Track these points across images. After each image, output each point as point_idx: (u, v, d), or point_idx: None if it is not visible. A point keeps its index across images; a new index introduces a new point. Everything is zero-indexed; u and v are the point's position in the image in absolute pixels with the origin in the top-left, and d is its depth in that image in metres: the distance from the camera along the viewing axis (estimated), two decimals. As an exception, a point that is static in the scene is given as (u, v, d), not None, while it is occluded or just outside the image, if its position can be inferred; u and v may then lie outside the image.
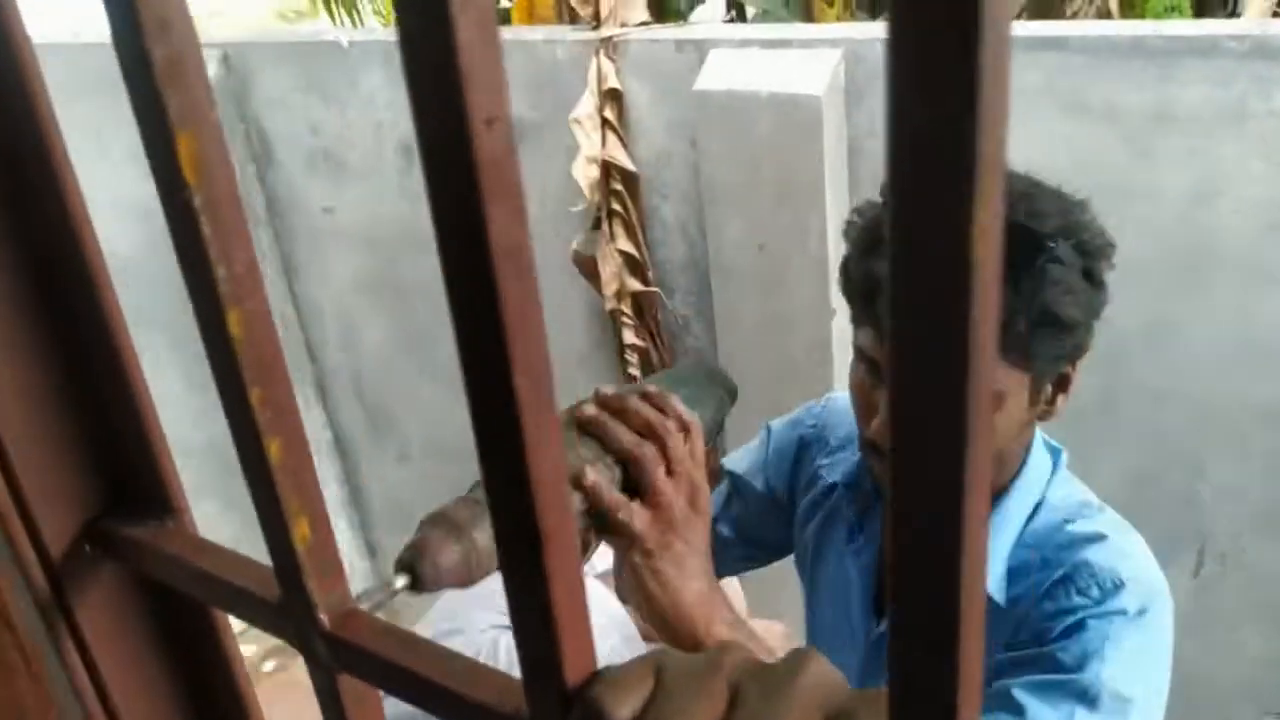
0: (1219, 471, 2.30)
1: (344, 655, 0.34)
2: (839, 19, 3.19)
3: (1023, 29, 2.25)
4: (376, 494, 3.70)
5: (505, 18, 4.12)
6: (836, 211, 2.42)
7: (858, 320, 1.20)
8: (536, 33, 2.69)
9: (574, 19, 3.11)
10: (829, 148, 2.34)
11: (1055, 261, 1.07)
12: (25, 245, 0.39)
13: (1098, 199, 2.18)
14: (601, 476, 0.85)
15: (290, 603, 0.34)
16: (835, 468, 1.48)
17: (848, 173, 2.45)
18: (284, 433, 0.31)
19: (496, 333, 0.23)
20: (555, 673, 0.27)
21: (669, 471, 0.86)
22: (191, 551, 0.39)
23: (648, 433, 0.86)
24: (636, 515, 0.85)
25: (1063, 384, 1.20)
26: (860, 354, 1.20)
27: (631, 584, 0.91)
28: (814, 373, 2.57)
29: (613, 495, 0.84)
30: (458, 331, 0.24)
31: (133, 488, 0.42)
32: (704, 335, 2.80)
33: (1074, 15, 3.14)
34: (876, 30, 2.36)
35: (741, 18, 4.05)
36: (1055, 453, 1.33)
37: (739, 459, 1.66)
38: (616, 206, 2.68)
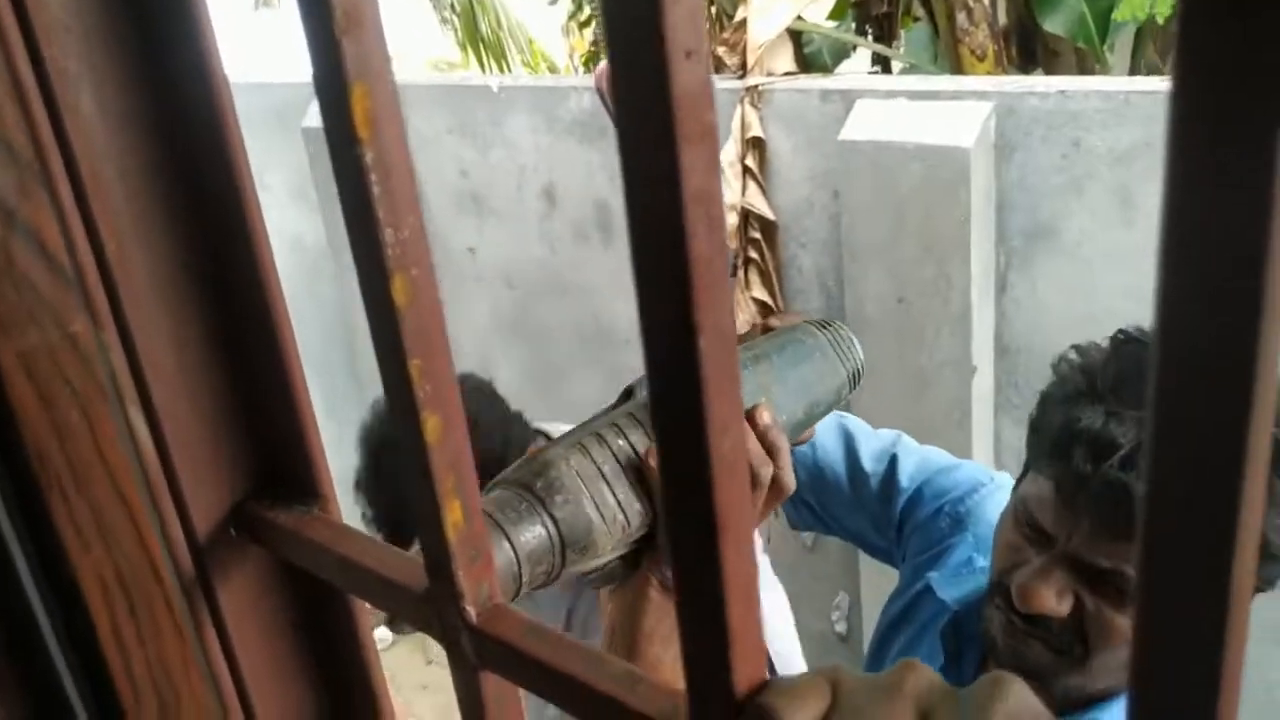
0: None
1: (490, 651, 0.32)
2: (989, 73, 3.13)
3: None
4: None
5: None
6: (981, 266, 2.35)
7: (1035, 467, 1.04)
8: (682, 80, 2.71)
9: (720, 68, 3.13)
10: (976, 201, 2.29)
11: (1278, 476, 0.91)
12: (193, 222, 0.39)
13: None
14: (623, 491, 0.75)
15: (437, 592, 0.33)
16: (954, 584, 1.29)
17: (995, 227, 2.38)
18: (443, 410, 0.30)
19: (682, 286, 0.22)
20: (724, 678, 0.25)
21: None
22: (335, 538, 0.38)
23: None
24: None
25: None
26: (1023, 506, 1.05)
27: (624, 610, 0.82)
28: (953, 432, 2.49)
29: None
30: (639, 285, 0.22)
31: (280, 473, 0.42)
32: (838, 388, 2.75)
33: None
34: (1029, 83, 2.31)
35: (887, 72, 4.02)
36: None
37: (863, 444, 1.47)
38: (753, 254, 2.66)
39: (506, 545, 0.67)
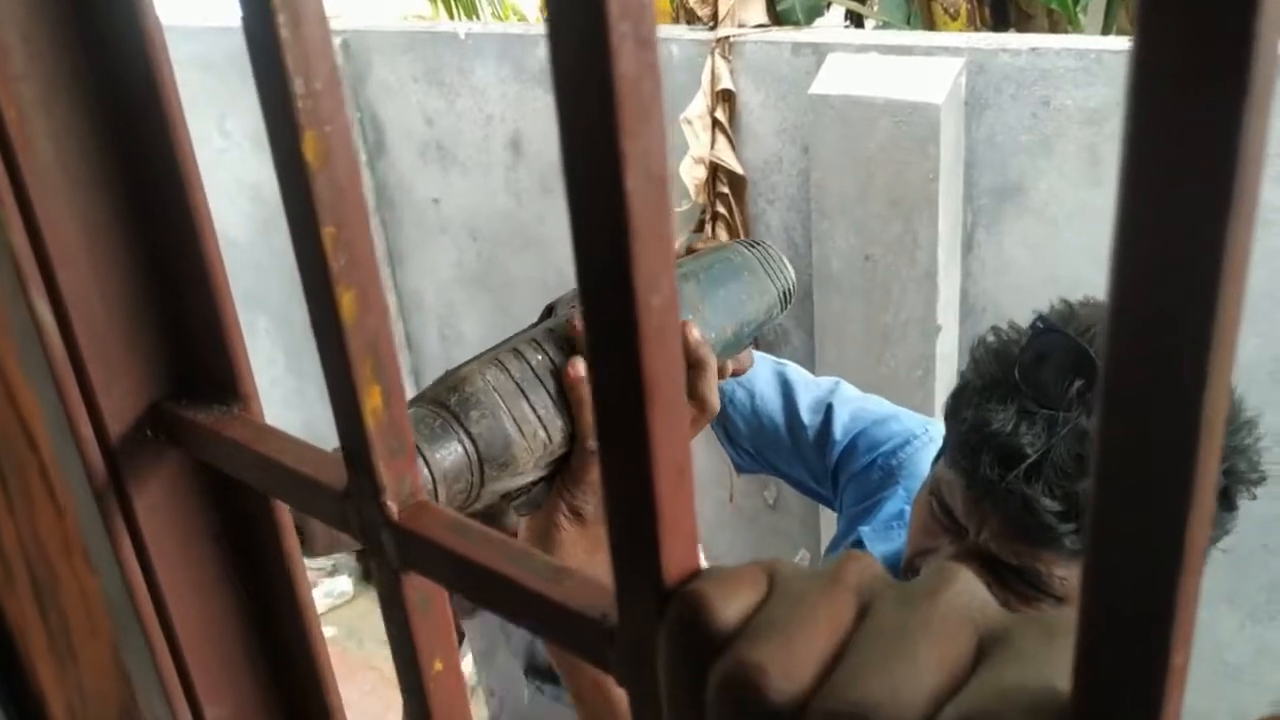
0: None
1: (413, 550, 0.30)
2: (962, 32, 3.11)
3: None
4: (463, 488, 3.71)
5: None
6: (948, 224, 2.34)
7: (948, 458, 1.02)
8: (652, 31, 2.66)
9: (691, 19, 3.08)
10: (945, 158, 2.27)
11: None
12: (104, 96, 0.36)
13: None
14: (546, 409, 0.73)
15: (356, 487, 0.31)
16: (885, 539, 1.28)
17: (963, 185, 2.37)
18: (359, 284, 0.28)
19: (606, 109, 0.19)
20: (652, 564, 0.23)
21: None
22: (254, 437, 0.36)
23: None
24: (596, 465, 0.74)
25: None
26: (938, 488, 1.03)
27: (535, 539, 0.78)
28: (916, 390, 2.49)
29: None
30: (559, 110, 0.20)
31: (200, 373, 0.39)
32: (803, 345, 2.74)
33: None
34: (1001, 40, 2.28)
35: (860, 29, 3.99)
36: None
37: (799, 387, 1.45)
38: (721, 209, 2.64)
39: (422, 464, 0.65)
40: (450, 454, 0.66)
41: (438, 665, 0.33)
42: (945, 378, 2.50)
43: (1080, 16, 3.06)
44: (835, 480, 1.42)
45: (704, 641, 0.24)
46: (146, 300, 0.39)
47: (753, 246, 0.91)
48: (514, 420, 0.70)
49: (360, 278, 0.28)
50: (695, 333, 0.77)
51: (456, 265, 3.20)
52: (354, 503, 0.31)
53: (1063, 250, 2.30)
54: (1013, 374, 0.94)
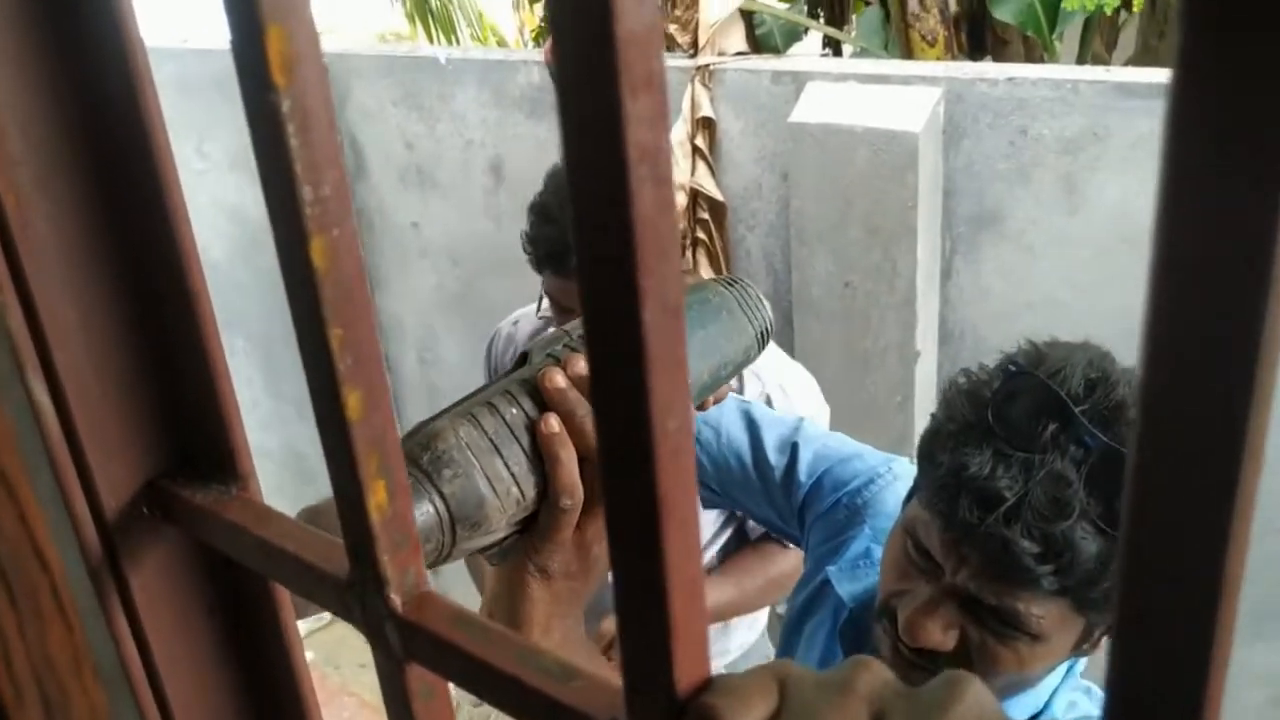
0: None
1: (416, 642, 0.30)
2: (939, 59, 3.14)
3: (1132, 75, 2.18)
4: (442, 512, 3.69)
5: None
6: (926, 252, 2.36)
7: (923, 499, 1.01)
8: (632, 58, 2.68)
9: (670, 46, 3.09)
10: (924, 186, 2.29)
11: None
12: (103, 179, 0.36)
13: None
14: (518, 463, 0.69)
15: (359, 578, 0.31)
16: (852, 578, 1.27)
17: (941, 213, 2.39)
18: (365, 384, 0.28)
19: (625, 250, 0.20)
20: (664, 676, 0.23)
21: None
22: (254, 520, 0.36)
23: None
24: (569, 522, 0.70)
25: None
26: (912, 529, 1.02)
27: (501, 591, 0.77)
28: (894, 416, 2.50)
29: (574, 476, 0.70)
30: (578, 248, 0.20)
31: (197, 450, 0.39)
32: (783, 371, 2.75)
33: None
34: (979, 70, 2.31)
35: (838, 55, 4.02)
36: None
37: (765, 427, 1.43)
38: (701, 235, 2.65)
39: (425, 504, 0.64)
40: (421, 514, 0.65)
41: (438, 749, 0.33)
42: (924, 403, 2.51)
43: (1056, 44, 3.10)
44: (802, 519, 1.42)
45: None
46: (143, 377, 0.39)
47: (730, 285, 0.89)
48: (487, 479, 0.68)
49: (366, 377, 0.28)
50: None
51: (436, 289, 3.20)
52: (357, 593, 0.31)
53: (1040, 277, 2.32)
54: (986, 417, 0.95)
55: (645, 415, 0.21)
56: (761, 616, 2.12)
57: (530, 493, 0.70)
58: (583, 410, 0.69)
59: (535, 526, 0.72)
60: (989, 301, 2.41)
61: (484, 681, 0.28)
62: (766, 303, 0.91)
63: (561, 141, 0.20)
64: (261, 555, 0.35)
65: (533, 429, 0.70)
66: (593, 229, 0.20)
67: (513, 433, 0.70)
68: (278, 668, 0.41)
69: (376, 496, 0.29)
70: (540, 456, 0.70)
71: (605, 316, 0.21)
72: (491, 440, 0.69)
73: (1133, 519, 0.18)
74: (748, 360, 0.88)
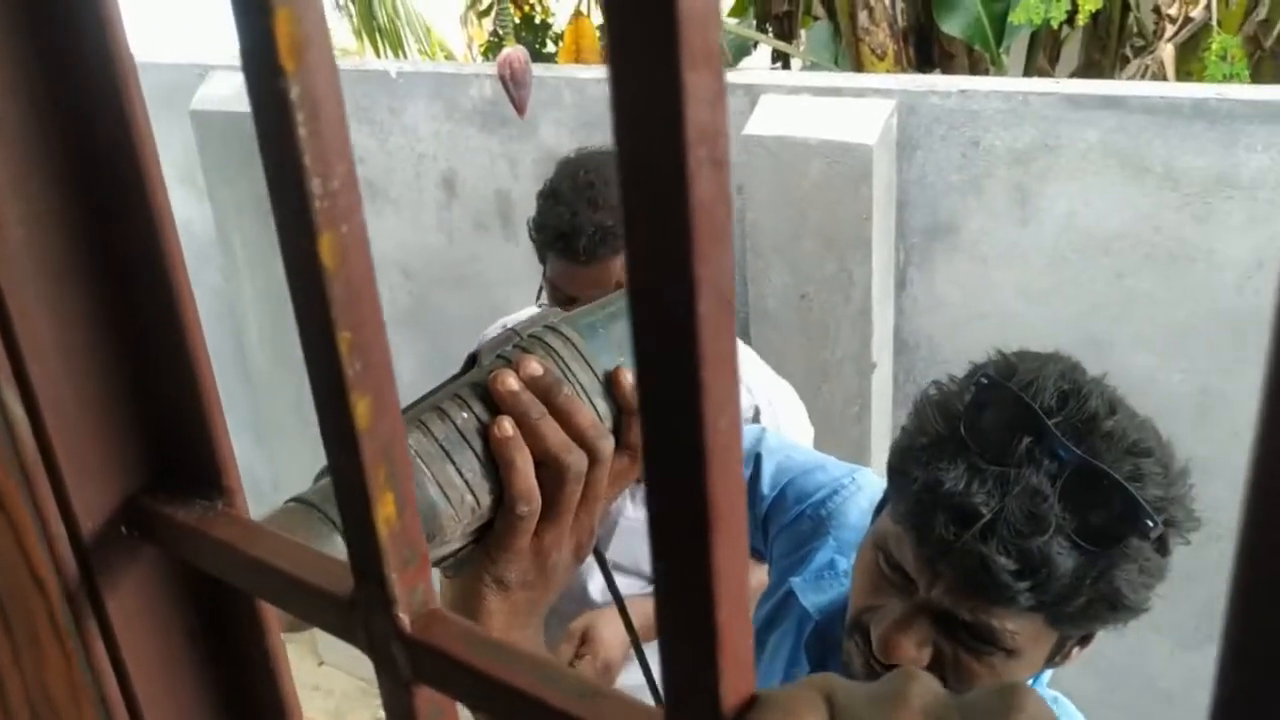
0: (1270, 550, 2.21)
1: (426, 663, 0.29)
2: (889, 72, 3.17)
3: (1081, 87, 2.21)
4: (395, 530, 3.64)
5: (551, 59, 4.13)
6: (881, 263, 2.37)
7: (896, 514, 0.99)
8: (587, 72, 2.67)
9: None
10: (878, 198, 2.31)
11: (1143, 538, 0.91)
12: (80, 177, 0.34)
13: (1154, 262, 2.13)
14: (471, 467, 0.66)
15: (364, 597, 0.29)
16: (816, 590, 1.25)
17: (895, 224, 2.41)
18: (375, 390, 0.26)
19: (680, 239, 0.18)
20: (709, 693, 0.22)
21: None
22: (243, 537, 0.34)
23: (579, 439, 0.67)
24: (526, 530, 0.67)
25: (1086, 640, 1.04)
26: (884, 544, 1.01)
27: (457, 605, 0.74)
28: (852, 426, 2.51)
29: (530, 481, 0.67)
30: (628, 238, 0.19)
31: (179, 464, 0.37)
32: (740, 383, 2.75)
33: (1128, 79, 3.10)
34: (931, 82, 2.33)
35: (788, 69, 4.05)
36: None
37: None
38: (657, 248, 2.64)
39: (338, 538, 0.59)
40: None
41: (441, 774, 0.31)
42: (881, 412, 2.53)
43: (1003, 58, 3.14)
44: (765, 532, 1.41)
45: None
46: (121, 387, 0.37)
47: None
48: (439, 487, 0.65)
49: (376, 382, 0.26)
50: (630, 378, 0.72)
51: (389, 304, 3.17)
52: (361, 613, 0.30)
53: (993, 287, 2.34)
54: (959, 430, 0.94)
55: (697, 413, 0.20)
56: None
57: (485, 500, 0.67)
58: (536, 412, 0.67)
59: (491, 536, 0.69)
60: (943, 311, 2.43)
61: (503, 703, 0.27)
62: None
63: (614, 123, 0.19)
64: (254, 574, 0.33)
65: (485, 434, 0.67)
66: (645, 214, 0.19)
67: (464, 438, 0.67)
68: (263, 693, 0.39)
69: (385, 509, 0.27)
70: (494, 462, 0.67)
71: (656, 308, 0.19)
72: (442, 446, 0.66)
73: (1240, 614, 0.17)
74: None
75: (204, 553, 0.35)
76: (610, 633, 1.80)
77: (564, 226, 1.73)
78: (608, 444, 0.69)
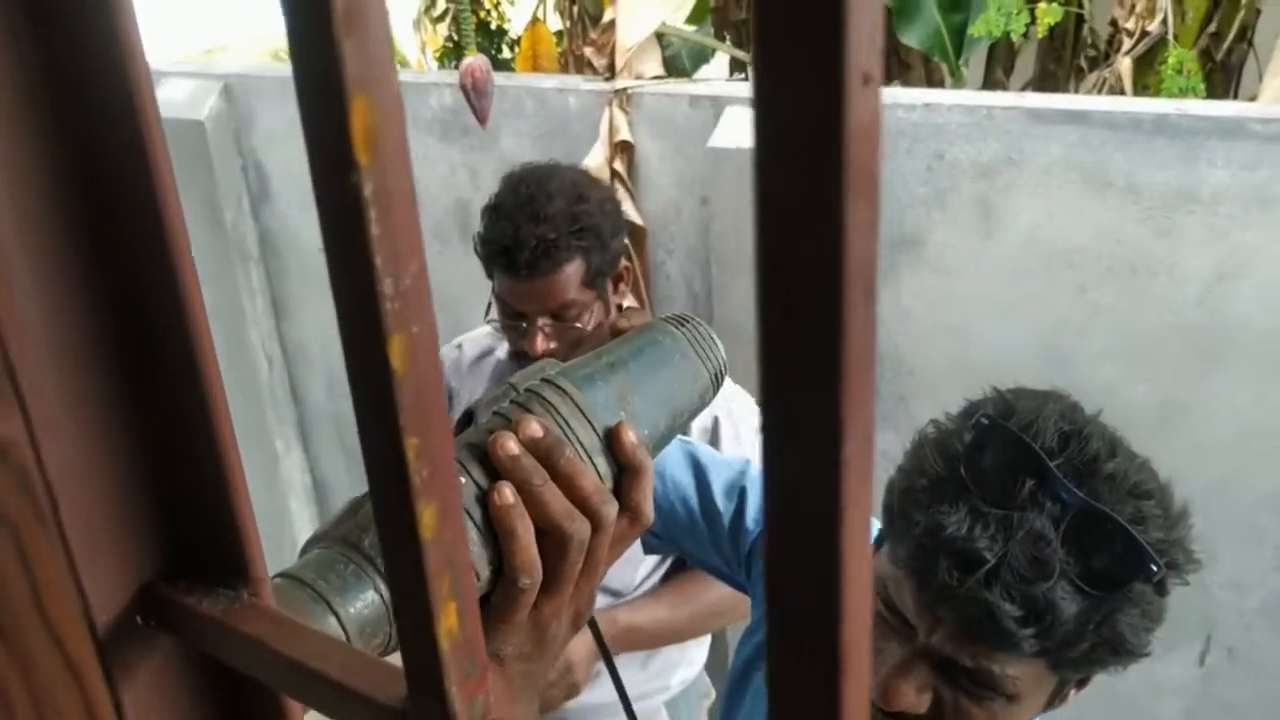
0: (1228, 560, 2.25)
1: (488, 782, 0.27)
2: (849, 84, 3.17)
3: (1044, 101, 2.22)
4: (353, 543, 3.59)
5: (507, 65, 4.10)
6: (847, 276, 2.37)
7: (895, 558, 0.96)
8: (549, 81, 2.65)
9: (580, 69, 3.07)
10: (844, 211, 2.30)
11: (1146, 582, 0.90)
12: (97, 243, 0.32)
13: (1116, 275, 2.15)
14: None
15: (420, 710, 0.27)
16: None
17: (860, 237, 2.41)
18: (440, 497, 0.25)
19: (830, 378, 0.17)
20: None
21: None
22: (274, 633, 0.32)
23: (582, 505, 0.64)
24: (526, 603, 0.64)
25: (1084, 682, 1.03)
26: (882, 587, 0.98)
27: None
28: (817, 439, 2.51)
29: (532, 552, 0.63)
30: (764, 379, 0.18)
31: (200, 548, 0.35)
32: (704, 395, 2.74)
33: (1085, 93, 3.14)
34: (896, 95, 2.34)
35: (746, 78, 4.05)
36: None
37: (715, 474, 1.37)
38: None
39: (332, 620, 0.56)
40: (366, 605, 0.57)
41: None
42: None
43: (963, 69, 3.16)
44: (748, 567, 1.37)
45: None
46: (137, 464, 0.34)
47: (681, 325, 0.83)
48: None
49: (442, 489, 0.25)
50: (632, 435, 0.69)
51: (347, 316, 3.12)
52: (415, 724, 0.28)
53: (957, 299, 2.35)
54: (959, 472, 0.93)
55: (835, 564, 0.18)
56: (700, 654, 2.10)
57: (485, 572, 0.63)
58: (539, 479, 0.63)
59: (488, 608, 0.65)
60: (908, 323, 2.44)
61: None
62: (719, 342, 0.84)
63: (756, 259, 0.17)
64: (288, 675, 0.31)
65: (485, 500, 0.63)
66: (784, 358, 0.17)
67: (462, 506, 0.60)
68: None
69: (447, 621, 0.26)
70: (494, 531, 0.63)
71: (791, 458, 0.18)
72: None
73: None
74: (703, 405, 0.82)
75: (230, 648, 0.33)
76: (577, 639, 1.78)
77: (506, 240, 1.73)
78: (611, 510, 0.65)
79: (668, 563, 1.92)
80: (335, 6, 0.20)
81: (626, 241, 2.61)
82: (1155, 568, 0.89)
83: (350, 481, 3.44)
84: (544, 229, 1.72)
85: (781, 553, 0.19)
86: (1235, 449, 2.20)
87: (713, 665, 2.27)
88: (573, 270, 1.75)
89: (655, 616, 1.82)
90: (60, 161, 0.31)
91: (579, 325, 1.78)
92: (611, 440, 0.69)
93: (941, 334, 2.40)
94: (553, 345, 1.75)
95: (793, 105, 0.16)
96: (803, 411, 0.17)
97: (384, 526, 0.25)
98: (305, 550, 0.61)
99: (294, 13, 0.21)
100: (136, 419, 0.34)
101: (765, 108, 0.16)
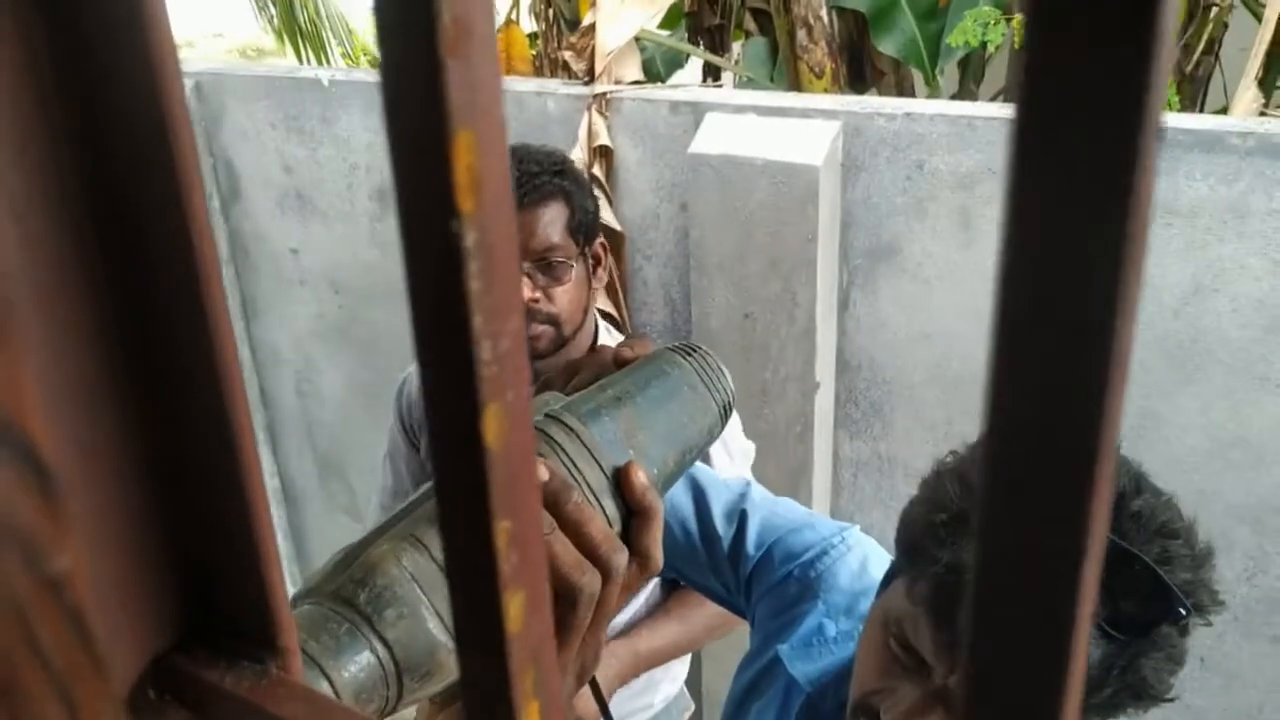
0: (1204, 571, 2.24)
1: None
2: (827, 91, 3.17)
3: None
4: (321, 547, 3.54)
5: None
6: (825, 284, 2.36)
7: (913, 596, 0.94)
8: (527, 84, 2.61)
9: (555, 72, 3.04)
10: (824, 219, 2.29)
11: (1173, 625, 0.86)
12: (122, 279, 0.29)
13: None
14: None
15: (493, 817, 0.24)
16: (806, 658, 1.19)
17: (839, 245, 2.39)
18: (530, 585, 0.21)
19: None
20: None
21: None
22: (310, 712, 0.29)
23: (591, 554, 0.60)
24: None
25: None
26: (897, 626, 0.95)
27: None
28: (794, 446, 2.49)
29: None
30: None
31: (222, 617, 0.32)
32: (680, 403, 2.71)
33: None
34: (877, 104, 2.32)
35: (718, 82, 4.03)
36: None
37: (712, 494, 1.34)
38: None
39: (325, 684, 0.52)
40: (361, 668, 0.53)
41: None
42: (823, 433, 2.51)
43: (939, 78, 3.16)
44: (749, 592, 1.33)
45: None
46: (151, 524, 0.31)
47: (689, 355, 0.79)
48: (439, 617, 0.57)
49: (531, 577, 0.21)
50: (642, 476, 0.65)
51: (316, 318, 3.06)
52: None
53: (935, 308, 2.34)
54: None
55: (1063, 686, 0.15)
56: (682, 669, 2.07)
57: None
58: (545, 527, 0.60)
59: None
60: (886, 332, 2.43)
61: None
62: (727, 372, 0.81)
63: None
64: (331, 764, 0.28)
65: None
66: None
67: None
68: None
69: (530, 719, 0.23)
70: None
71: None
72: (440, 567, 0.57)
73: None
74: (711, 441, 0.78)
75: (260, 729, 0.30)
76: None
77: None
78: (621, 559, 0.62)
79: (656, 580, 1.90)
80: (442, 19, 0.17)
81: (603, 241, 2.59)
82: (1183, 611, 0.86)
83: (321, 487, 3.39)
84: (527, 165, 1.75)
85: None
86: (1209, 460, 2.21)
87: (692, 678, 2.25)
88: (556, 211, 1.74)
89: (671, 635, 1.79)
90: (77, 186, 0.28)
91: (563, 282, 1.76)
92: (620, 481, 0.65)
93: (920, 343, 2.39)
94: (537, 295, 1.72)
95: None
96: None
97: (464, 621, 0.22)
98: (292, 606, 0.57)
99: (389, 25, 0.17)
100: (152, 467, 0.31)
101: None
